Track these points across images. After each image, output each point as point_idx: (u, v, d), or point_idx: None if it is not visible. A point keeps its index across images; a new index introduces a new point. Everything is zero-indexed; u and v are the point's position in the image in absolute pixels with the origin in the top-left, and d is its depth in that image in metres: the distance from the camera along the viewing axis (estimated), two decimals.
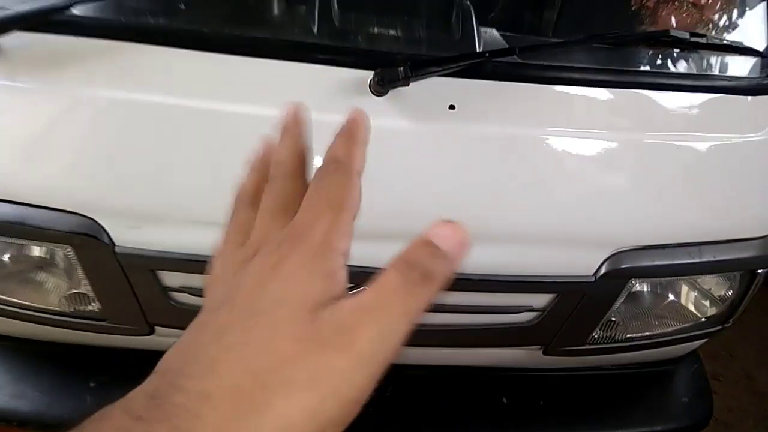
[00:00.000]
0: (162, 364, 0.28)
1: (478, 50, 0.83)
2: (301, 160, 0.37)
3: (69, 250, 0.80)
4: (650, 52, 0.88)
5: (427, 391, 1.03)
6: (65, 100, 0.77)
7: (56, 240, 0.78)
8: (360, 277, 0.79)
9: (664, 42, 0.85)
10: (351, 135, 0.37)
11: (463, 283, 0.82)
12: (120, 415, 0.25)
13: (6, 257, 0.85)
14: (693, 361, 1.15)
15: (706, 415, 1.10)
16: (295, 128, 0.38)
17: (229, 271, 0.33)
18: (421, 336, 0.90)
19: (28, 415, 0.93)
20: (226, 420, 0.25)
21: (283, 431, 0.25)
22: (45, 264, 0.87)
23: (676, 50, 0.91)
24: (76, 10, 0.75)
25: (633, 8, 1.09)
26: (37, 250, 0.86)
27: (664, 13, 1.07)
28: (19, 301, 0.88)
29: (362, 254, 0.80)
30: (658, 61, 0.90)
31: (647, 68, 0.88)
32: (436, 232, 0.31)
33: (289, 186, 0.36)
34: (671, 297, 0.95)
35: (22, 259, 0.85)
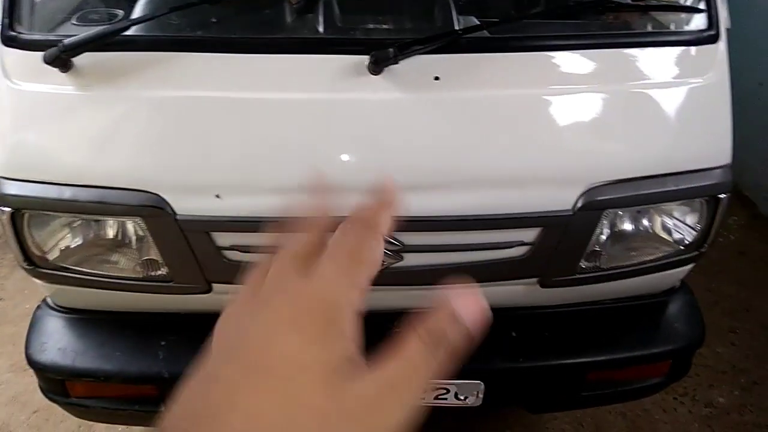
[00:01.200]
0: (170, 419, 0.27)
1: (455, 27, 1.01)
2: (325, 218, 0.35)
3: (140, 221, 0.99)
4: (600, 18, 1.05)
5: None
6: (126, 102, 0.98)
7: (130, 213, 0.98)
8: None
9: (608, 7, 1.01)
10: (381, 198, 0.35)
11: (460, 222, 0.99)
12: None
13: (89, 237, 1.05)
14: (684, 293, 1.28)
15: (698, 338, 1.23)
16: (320, 191, 0.37)
17: (240, 315, 0.31)
18: (426, 276, 1.07)
19: (111, 371, 1.12)
20: None
21: None
22: (118, 243, 1.07)
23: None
24: (130, 31, 0.96)
25: None
26: (111, 232, 1.06)
27: None
28: (101, 272, 1.08)
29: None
30: (613, 26, 1.07)
31: (597, 31, 1.04)
32: (458, 303, 0.30)
33: (312, 238, 0.34)
34: (647, 226, 1.10)
35: (102, 234, 1.05)
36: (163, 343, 1.15)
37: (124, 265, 1.07)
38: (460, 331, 0.30)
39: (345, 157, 0.95)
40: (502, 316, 1.21)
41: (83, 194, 0.97)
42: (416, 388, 0.28)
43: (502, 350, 1.16)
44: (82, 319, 1.19)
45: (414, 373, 0.29)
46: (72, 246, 1.06)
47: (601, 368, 1.19)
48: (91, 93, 0.98)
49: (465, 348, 0.30)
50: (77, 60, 0.95)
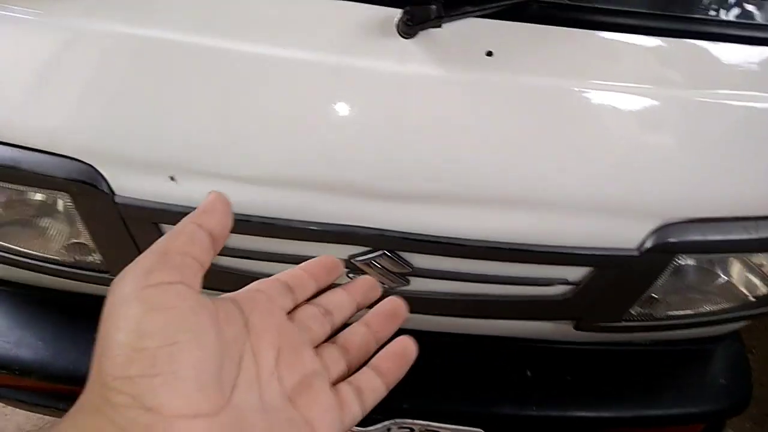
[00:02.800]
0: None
1: None
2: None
3: (66, 197, 0.74)
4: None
5: (445, 359, 0.97)
6: (66, 33, 0.70)
7: (51, 187, 0.73)
8: (384, 240, 0.72)
9: None
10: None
11: (493, 251, 0.75)
12: None
13: (3, 201, 0.80)
14: (733, 341, 1.07)
15: (745, 399, 1.03)
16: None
17: None
18: (445, 305, 0.84)
19: (30, 364, 0.90)
20: None
21: None
22: (47, 210, 0.82)
23: None
24: None
25: None
26: (39, 195, 0.81)
27: None
28: (19, 248, 0.83)
29: (385, 217, 0.74)
30: (721, 9, 0.79)
31: (707, 16, 0.77)
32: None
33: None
34: (720, 274, 0.87)
35: (22, 202, 0.80)
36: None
37: (46, 243, 0.82)
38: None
39: (348, 149, 0.69)
40: (516, 348, 1.00)
41: None
42: None
43: (512, 393, 0.95)
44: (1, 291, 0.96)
45: None
46: None
47: (624, 426, 0.99)
48: (13, 13, 0.70)
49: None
50: None
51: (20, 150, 0.72)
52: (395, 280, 0.79)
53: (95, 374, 0.29)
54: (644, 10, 0.76)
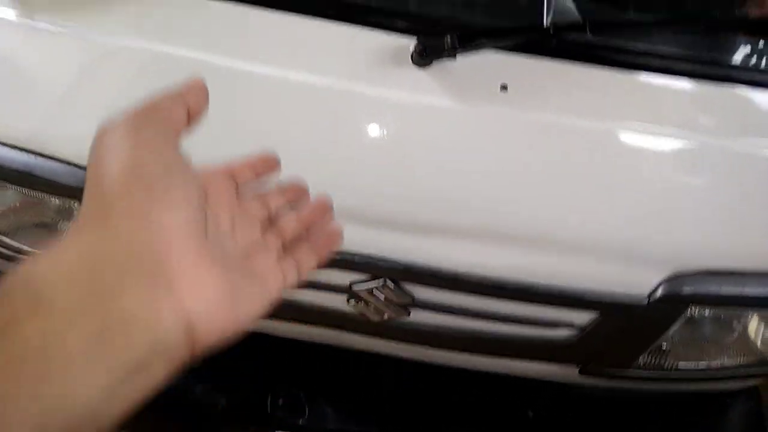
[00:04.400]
0: None
1: (545, 20, 0.72)
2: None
3: (77, 205, 0.75)
4: (750, 42, 0.74)
5: (445, 394, 0.95)
6: (91, 47, 0.72)
7: (64, 194, 0.74)
8: (386, 269, 0.71)
9: None
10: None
11: (497, 289, 0.73)
12: None
13: (19, 203, 0.82)
14: (750, 397, 1.02)
15: None
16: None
17: None
18: (445, 339, 0.82)
19: None
20: None
21: None
22: (64, 213, 0.83)
23: None
24: None
25: None
26: (56, 199, 0.82)
27: None
28: (36, 251, 0.84)
29: (389, 246, 0.73)
30: (761, 53, 0.76)
31: (744, 61, 0.74)
32: None
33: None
34: (735, 328, 0.83)
35: (40, 205, 0.81)
36: None
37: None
38: None
39: (355, 178, 0.69)
40: (519, 387, 0.97)
41: (8, 158, 0.72)
42: None
43: None
44: None
45: None
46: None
47: None
48: (39, 23, 0.72)
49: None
50: None
51: (35, 156, 0.73)
52: (396, 310, 0.77)
53: (91, 199, 0.31)
54: (672, 52, 0.75)
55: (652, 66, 0.71)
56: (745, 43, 0.75)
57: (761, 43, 0.75)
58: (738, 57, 0.75)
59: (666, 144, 0.71)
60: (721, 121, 0.74)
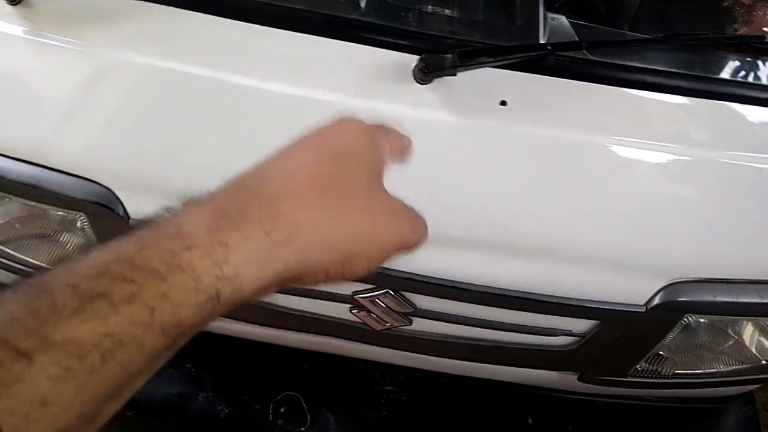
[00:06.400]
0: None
1: (541, 40, 0.74)
2: None
3: (83, 217, 0.76)
4: (741, 59, 0.77)
5: (445, 400, 0.96)
6: (97, 62, 0.73)
7: (69, 206, 0.75)
8: (388, 279, 0.72)
9: (759, 48, 0.73)
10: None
11: (497, 298, 0.74)
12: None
13: (24, 216, 0.83)
14: (745, 402, 1.04)
15: None
16: None
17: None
18: (447, 347, 0.84)
19: None
20: None
21: None
22: (67, 226, 0.84)
23: None
24: None
25: (726, 4, 0.96)
26: (60, 211, 0.84)
27: (761, 13, 0.94)
28: (39, 263, 0.85)
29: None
30: (750, 70, 0.78)
31: (735, 77, 0.76)
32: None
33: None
34: (731, 335, 0.85)
35: (43, 217, 0.82)
36: None
37: (68, 255, 0.85)
38: None
39: None
40: (519, 394, 0.98)
41: (14, 170, 0.74)
42: None
43: None
44: None
45: None
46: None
47: None
48: (47, 40, 0.73)
49: None
50: None
51: (41, 169, 0.74)
52: (398, 319, 0.79)
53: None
54: (666, 69, 0.76)
55: (647, 83, 0.73)
56: (735, 60, 0.77)
57: (750, 59, 0.77)
58: (728, 73, 0.77)
59: (660, 157, 0.73)
60: (713, 136, 0.76)
